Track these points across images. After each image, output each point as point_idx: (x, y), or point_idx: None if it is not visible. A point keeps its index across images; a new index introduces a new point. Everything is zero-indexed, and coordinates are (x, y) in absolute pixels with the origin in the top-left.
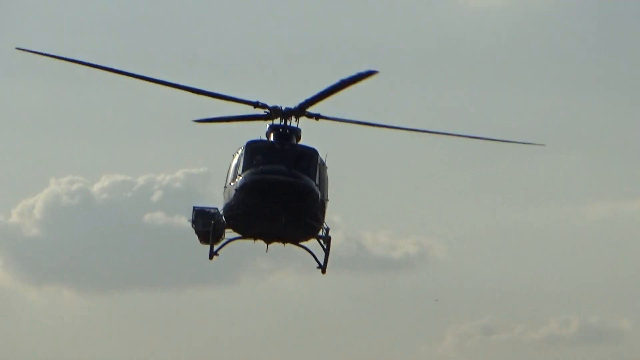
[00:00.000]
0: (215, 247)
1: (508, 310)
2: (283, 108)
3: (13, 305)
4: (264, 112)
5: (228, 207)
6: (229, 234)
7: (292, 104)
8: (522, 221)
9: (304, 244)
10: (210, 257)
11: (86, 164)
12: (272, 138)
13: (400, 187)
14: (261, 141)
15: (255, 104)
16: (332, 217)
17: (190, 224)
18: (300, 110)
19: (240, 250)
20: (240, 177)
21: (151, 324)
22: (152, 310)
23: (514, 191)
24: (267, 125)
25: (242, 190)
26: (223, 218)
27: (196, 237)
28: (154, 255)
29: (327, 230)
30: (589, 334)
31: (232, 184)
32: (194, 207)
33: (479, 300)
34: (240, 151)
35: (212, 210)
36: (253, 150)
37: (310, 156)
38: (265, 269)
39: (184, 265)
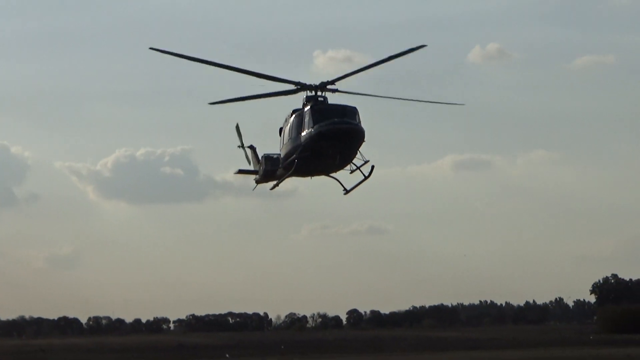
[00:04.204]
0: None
1: None
2: (315, 84)
3: None
4: (295, 87)
5: (299, 150)
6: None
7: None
8: None
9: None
10: (272, 188)
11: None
12: (308, 106)
13: None
14: (323, 102)
15: (296, 83)
16: None
17: (260, 166)
18: (323, 86)
19: None
20: (314, 128)
21: None
22: None
23: None
24: (305, 97)
25: (320, 135)
26: (283, 161)
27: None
28: None
29: (367, 161)
30: None
31: (302, 134)
32: (264, 154)
33: None
34: (293, 116)
35: (275, 156)
36: (319, 110)
37: (355, 110)
38: None
39: None
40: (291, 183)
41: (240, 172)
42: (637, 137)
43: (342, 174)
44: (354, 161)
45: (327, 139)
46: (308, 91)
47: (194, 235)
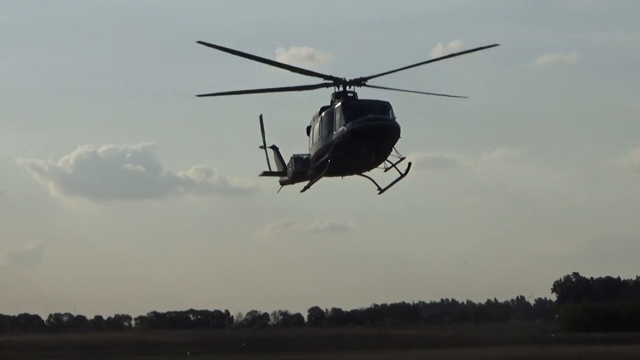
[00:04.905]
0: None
1: None
2: (347, 79)
3: None
4: (327, 82)
5: (331, 149)
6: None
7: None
8: None
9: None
10: (303, 190)
11: None
12: (338, 103)
13: None
14: (354, 98)
15: (326, 77)
16: None
17: (289, 167)
18: (358, 82)
19: None
20: (346, 126)
21: None
22: None
23: None
24: (333, 93)
25: (353, 133)
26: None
27: (281, 177)
28: None
29: (403, 158)
30: None
31: (333, 132)
32: (293, 155)
33: None
34: (323, 113)
35: (305, 156)
36: (351, 106)
37: (389, 105)
38: None
39: None
40: (253, 181)
41: (265, 174)
42: (599, 136)
43: (376, 173)
44: (388, 158)
45: (361, 136)
46: (336, 87)
47: (156, 232)
